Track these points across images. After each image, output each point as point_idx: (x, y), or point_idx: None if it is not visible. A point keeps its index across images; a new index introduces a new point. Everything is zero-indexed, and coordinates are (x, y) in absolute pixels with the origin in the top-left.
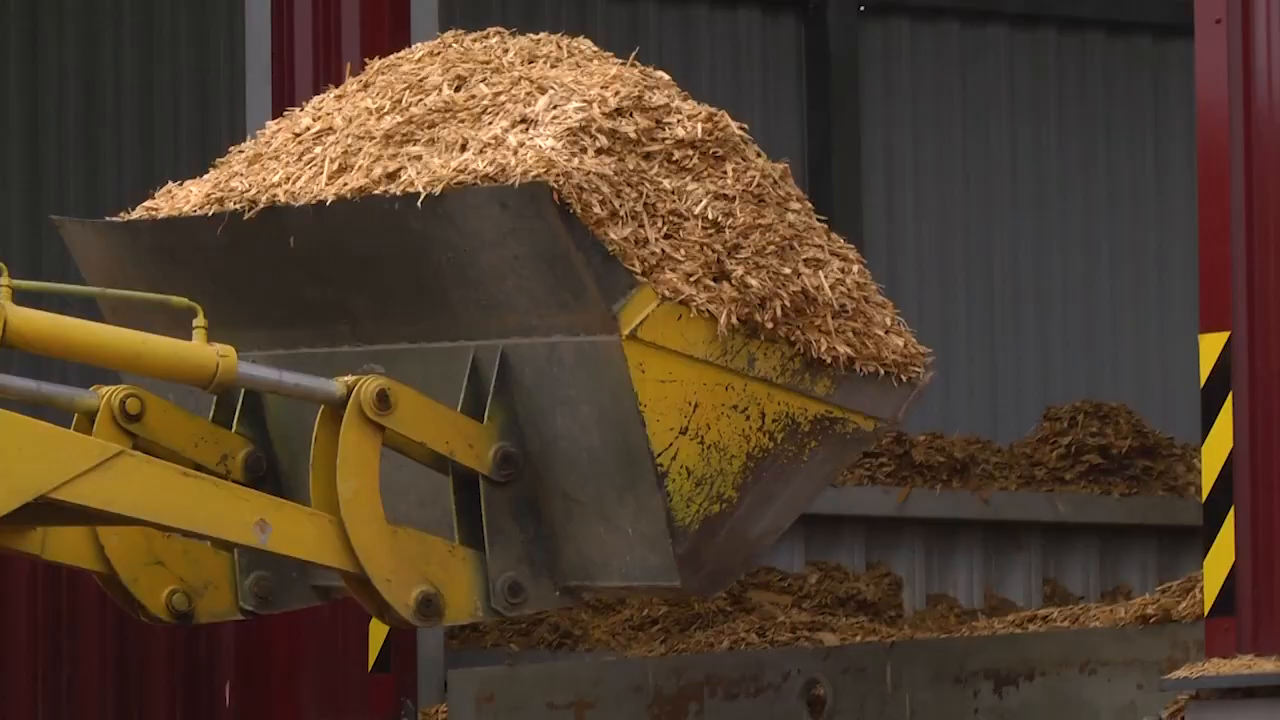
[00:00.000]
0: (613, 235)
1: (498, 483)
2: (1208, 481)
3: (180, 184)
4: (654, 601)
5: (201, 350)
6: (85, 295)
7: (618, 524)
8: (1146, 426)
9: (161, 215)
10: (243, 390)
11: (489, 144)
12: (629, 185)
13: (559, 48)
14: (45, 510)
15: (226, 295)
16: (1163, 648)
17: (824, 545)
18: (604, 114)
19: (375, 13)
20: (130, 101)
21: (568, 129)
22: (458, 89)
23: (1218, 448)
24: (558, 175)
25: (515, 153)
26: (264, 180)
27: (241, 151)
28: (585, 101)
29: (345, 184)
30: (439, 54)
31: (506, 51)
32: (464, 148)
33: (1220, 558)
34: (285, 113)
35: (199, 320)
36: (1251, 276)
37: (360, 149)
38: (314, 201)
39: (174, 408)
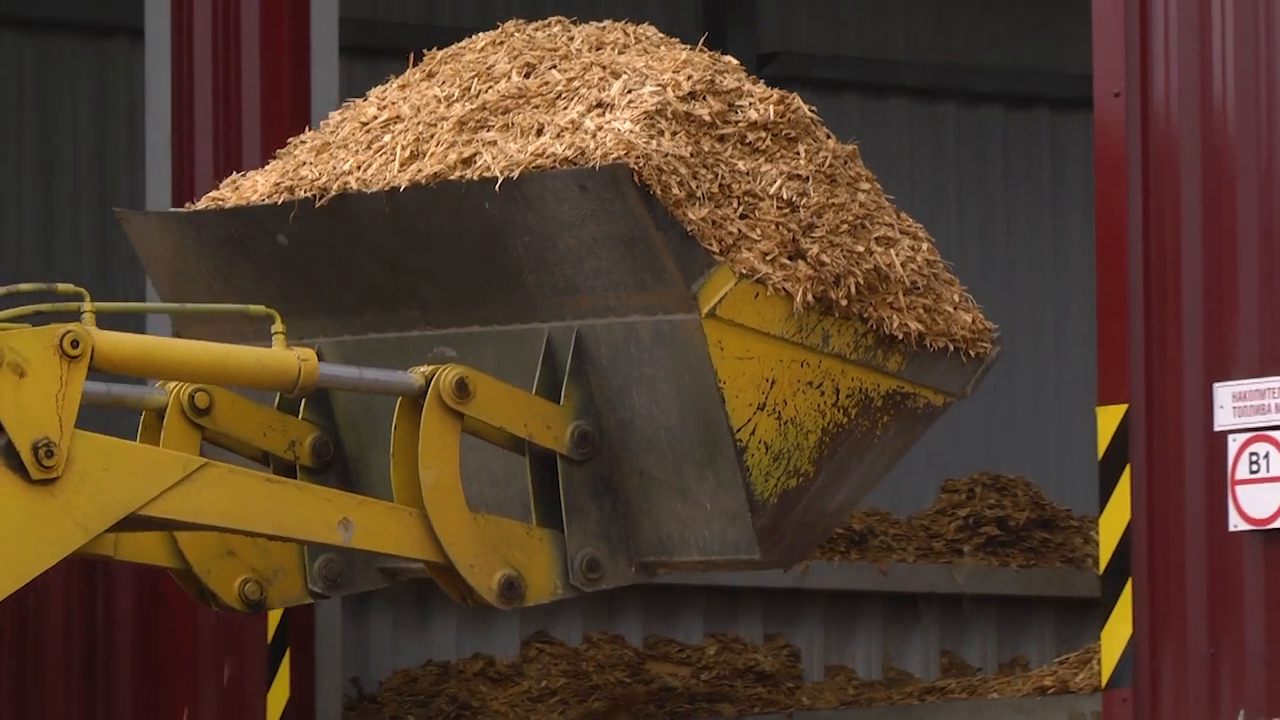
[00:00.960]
0: (691, 216)
1: (575, 461)
2: (1105, 553)
3: (244, 174)
4: (552, 673)
5: (284, 356)
6: (164, 312)
7: (696, 500)
8: (1044, 498)
9: (229, 205)
10: None
11: (566, 128)
12: (705, 167)
13: (625, 34)
14: (128, 521)
15: (294, 283)
16: (1060, 719)
17: (723, 617)
18: (678, 97)
19: (274, 81)
20: (30, 170)
21: (644, 112)
22: (528, 75)
23: (1115, 519)
24: (638, 157)
25: (594, 136)
26: (334, 168)
27: (304, 142)
28: (659, 85)
29: (419, 170)
30: (503, 43)
31: (572, 39)
32: (540, 132)
33: (1118, 629)
34: (346, 104)
35: (277, 326)
36: (1149, 349)
37: (432, 136)
38: (387, 188)
39: (241, 399)
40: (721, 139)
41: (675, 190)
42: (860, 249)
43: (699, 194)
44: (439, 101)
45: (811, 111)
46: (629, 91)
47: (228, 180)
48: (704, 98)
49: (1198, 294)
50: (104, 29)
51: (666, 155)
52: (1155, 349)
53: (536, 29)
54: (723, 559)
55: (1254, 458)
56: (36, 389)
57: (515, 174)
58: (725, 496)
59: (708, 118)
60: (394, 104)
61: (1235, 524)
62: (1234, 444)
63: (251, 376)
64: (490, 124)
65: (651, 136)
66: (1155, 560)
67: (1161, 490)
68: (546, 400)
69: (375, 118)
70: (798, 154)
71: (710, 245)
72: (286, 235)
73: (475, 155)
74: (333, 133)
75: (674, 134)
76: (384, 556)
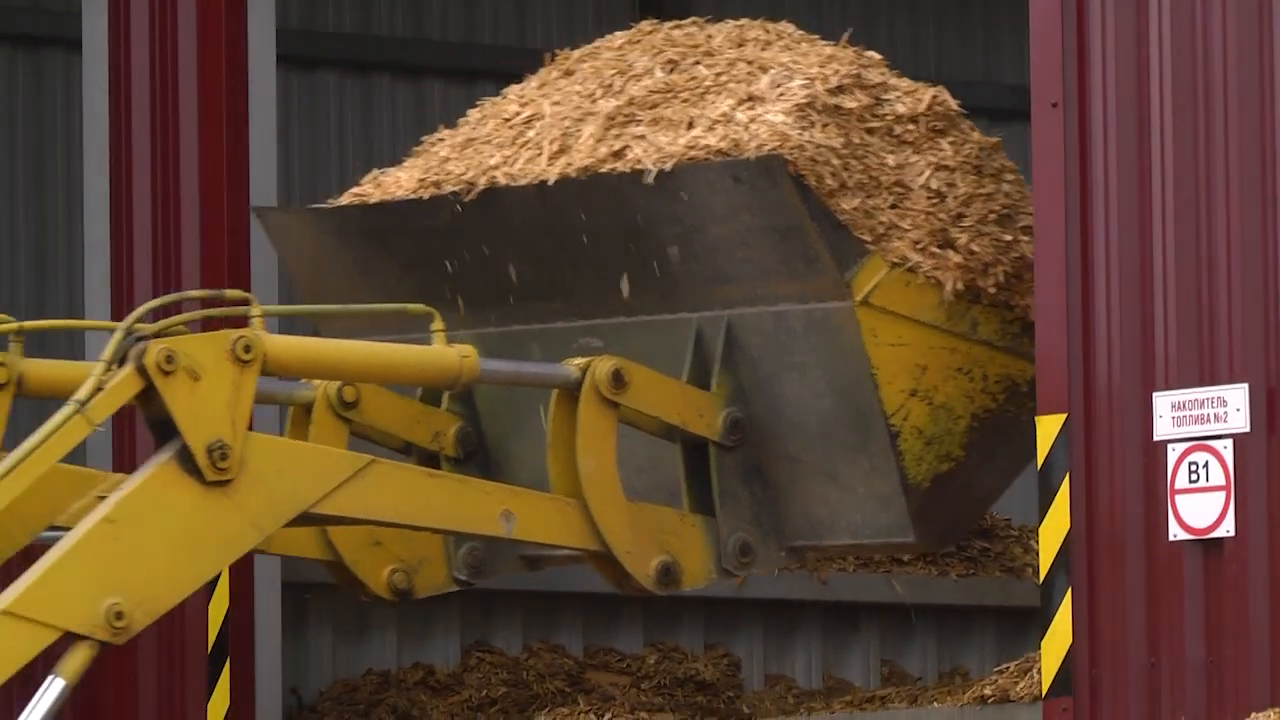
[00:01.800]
0: (843, 206)
1: (727, 448)
2: (1045, 562)
3: (384, 171)
4: (493, 682)
5: (445, 354)
6: (327, 314)
7: (848, 484)
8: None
9: (374, 200)
10: None
11: (718, 121)
12: (855, 158)
13: (765, 31)
14: (295, 518)
15: (435, 277)
16: None
17: (663, 626)
18: (826, 91)
19: (212, 89)
20: None
21: (796, 105)
22: (671, 71)
23: (1055, 529)
24: (792, 148)
25: (746, 128)
26: (480, 163)
27: (443, 139)
28: (808, 79)
29: (569, 164)
30: (638, 41)
31: (711, 36)
32: (690, 126)
33: (1057, 639)
34: (478, 103)
35: (437, 324)
36: (1088, 358)
37: (579, 130)
38: (536, 181)
39: (386, 391)
40: (870, 131)
41: (828, 181)
42: (1008, 238)
43: (850, 184)
44: (581, 97)
45: (958, 106)
46: (778, 85)
47: (369, 176)
48: (851, 91)
49: (1135, 304)
50: (40, 40)
51: (819, 146)
52: (1094, 359)
53: (673, 28)
54: (876, 542)
55: (1193, 467)
56: (211, 393)
57: (669, 166)
58: (879, 480)
59: (856, 111)
60: (534, 101)
61: (1175, 534)
62: (1173, 453)
63: (415, 375)
64: (639, 118)
65: (804, 128)
66: (1095, 570)
67: (1101, 500)
68: (698, 389)
69: (517, 114)
70: (944, 146)
71: (863, 234)
72: (431, 229)
73: (625, 149)
74: (474, 129)
75: (824, 126)
76: (526, 544)
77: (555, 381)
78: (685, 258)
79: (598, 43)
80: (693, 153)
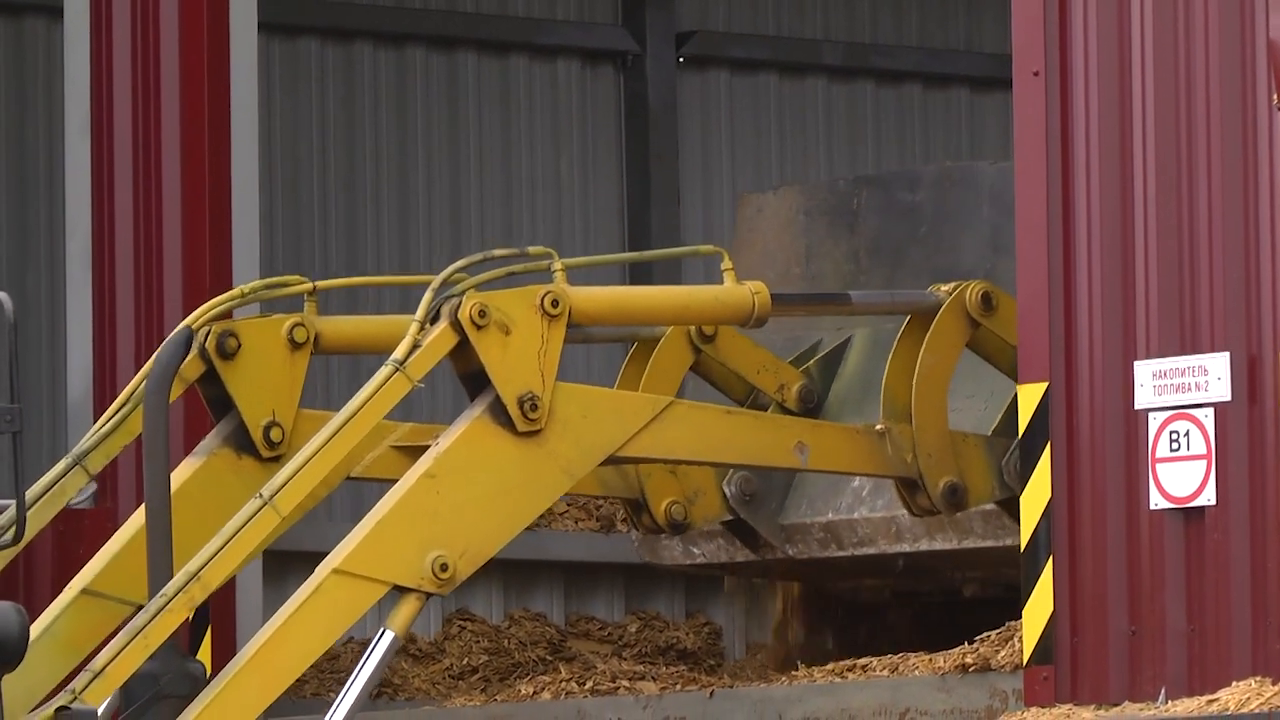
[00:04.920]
0: None
1: None
2: (1026, 531)
3: None
4: (474, 650)
5: (738, 291)
6: (621, 261)
7: None
8: None
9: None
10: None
11: None
12: None
13: None
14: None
15: (913, 246)
16: (982, 697)
17: (644, 595)
18: None
19: (193, 59)
20: None
21: None
22: None
23: (1036, 497)
24: None
25: None
26: None
27: None
28: None
29: None
30: None
31: None
32: None
33: (1039, 607)
34: None
35: (726, 263)
36: (1069, 327)
37: None
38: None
39: (743, 335)
40: None
41: None
42: None
43: None
44: None
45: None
46: None
47: None
48: None
49: (1117, 272)
50: (19, 7)
51: None
52: (1074, 327)
53: None
54: None
55: (1174, 436)
56: (521, 346)
57: None
58: None
59: None
60: None
61: (1156, 502)
62: (1154, 422)
63: (712, 313)
64: None
65: None
66: (1076, 538)
67: (1082, 468)
68: None
69: None
70: None
71: None
72: (903, 201)
73: None
74: None
75: None
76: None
77: (924, 305)
78: None
79: None
80: None
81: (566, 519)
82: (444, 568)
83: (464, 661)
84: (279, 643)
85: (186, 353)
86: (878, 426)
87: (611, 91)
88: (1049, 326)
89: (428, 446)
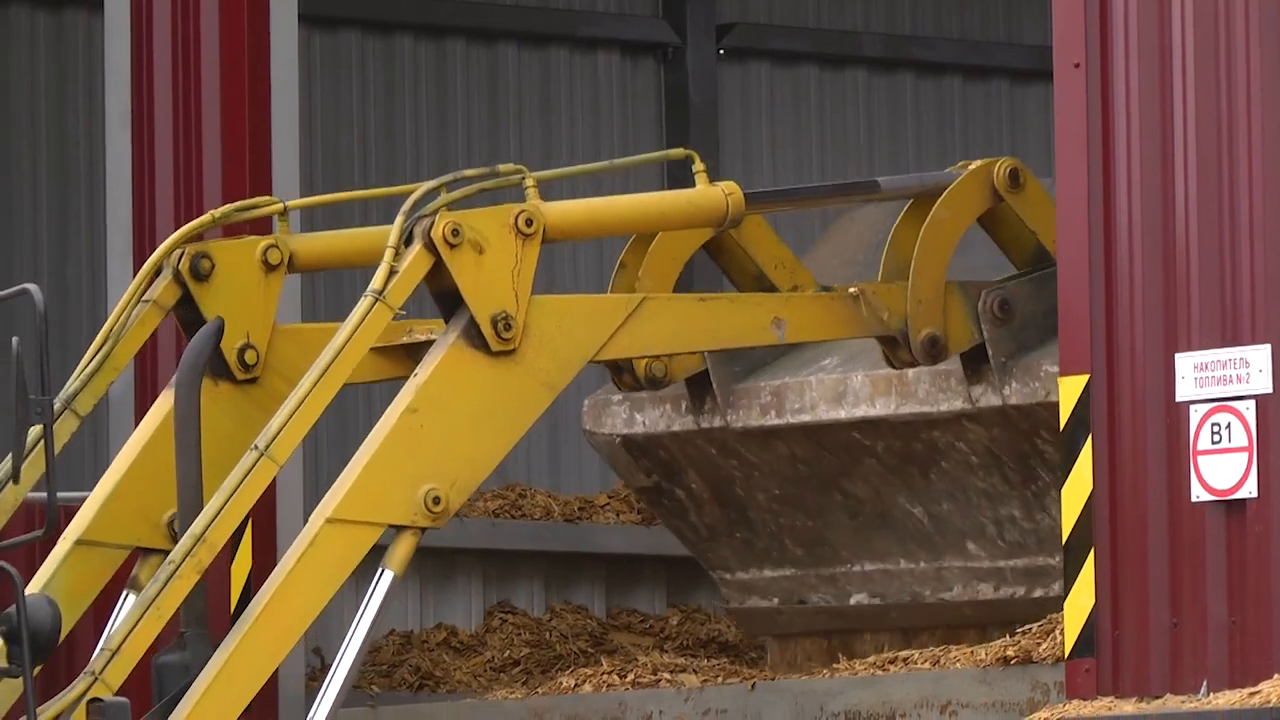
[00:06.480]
0: None
1: None
2: (1068, 524)
3: None
4: (515, 643)
5: (710, 193)
6: (591, 171)
7: None
8: None
9: None
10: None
11: None
12: None
13: None
14: None
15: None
16: (1023, 689)
17: (685, 587)
18: None
19: (233, 50)
20: None
21: None
22: None
23: (1077, 490)
24: None
25: None
26: None
27: None
28: None
29: None
30: None
31: None
32: None
33: (1080, 599)
34: None
35: (697, 165)
36: (1110, 319)
37: None
38: None
39: (767, 226)
40: None
41: None
42: None
43: None
44: None
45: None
46: None
47: None
48: None
49: (1158, 264)
50: (61, 1)
51: None
52: (1116, 320)
53: None
54: None
55: (1215, 428)
56: (494, 266)
57: None
58: None
59: None
60: None
61: (1197, 495)
62: (1195, 414)
63: (686, 216)
64: None
65: None
66: (1117, 531)
67: (1123, 461)
68: None
69: None
70: None
71: None
72: None
73: None
74: None
75: None
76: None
77: (948, 181)
78: None
79: None
80: None
81: (608, 511)
82: (436, 500)
83: (505, 654)
84: (282, 599)
85: (217, 343)
86: (850, 290)
87: (652, 84)
88: (1090, 319)
89: (402, 346)
